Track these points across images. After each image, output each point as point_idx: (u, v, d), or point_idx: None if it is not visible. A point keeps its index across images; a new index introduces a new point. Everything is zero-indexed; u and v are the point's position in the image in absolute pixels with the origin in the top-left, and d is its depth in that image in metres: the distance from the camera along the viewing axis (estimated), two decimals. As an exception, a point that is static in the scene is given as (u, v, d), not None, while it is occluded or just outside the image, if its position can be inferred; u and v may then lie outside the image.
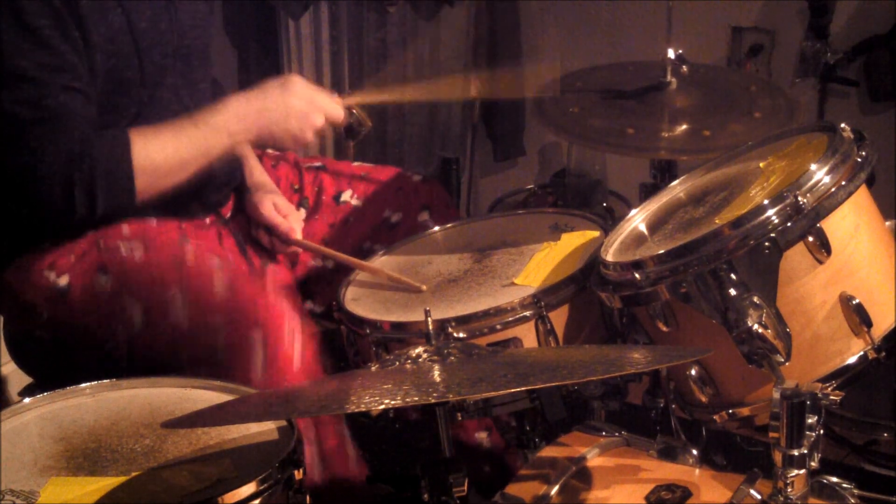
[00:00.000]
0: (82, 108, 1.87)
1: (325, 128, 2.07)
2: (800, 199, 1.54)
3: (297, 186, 2.32)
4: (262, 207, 2.16)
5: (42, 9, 1.82)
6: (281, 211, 2.16)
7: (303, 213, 2.26)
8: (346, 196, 2.30)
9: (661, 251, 1.62)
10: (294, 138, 2.04)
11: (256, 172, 2.25)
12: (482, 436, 2.21)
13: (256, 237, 2.20)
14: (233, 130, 1.98)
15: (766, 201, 1.56)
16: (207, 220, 2.13)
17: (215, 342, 1.85)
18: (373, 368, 1.43)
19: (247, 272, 1.99)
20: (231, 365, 1.82)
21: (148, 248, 1.96)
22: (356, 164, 2.38)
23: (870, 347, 1.61)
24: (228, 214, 2.20)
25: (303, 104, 2.02)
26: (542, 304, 1.78)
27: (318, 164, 2.37)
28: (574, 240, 1.97)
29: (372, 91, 2.21)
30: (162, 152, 1.93)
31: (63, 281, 1.96)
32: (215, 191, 2.13)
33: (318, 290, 2.26)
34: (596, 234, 1.97)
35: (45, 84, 1.84)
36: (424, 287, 1.93)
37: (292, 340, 1.87)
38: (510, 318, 1.77)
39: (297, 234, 2.16)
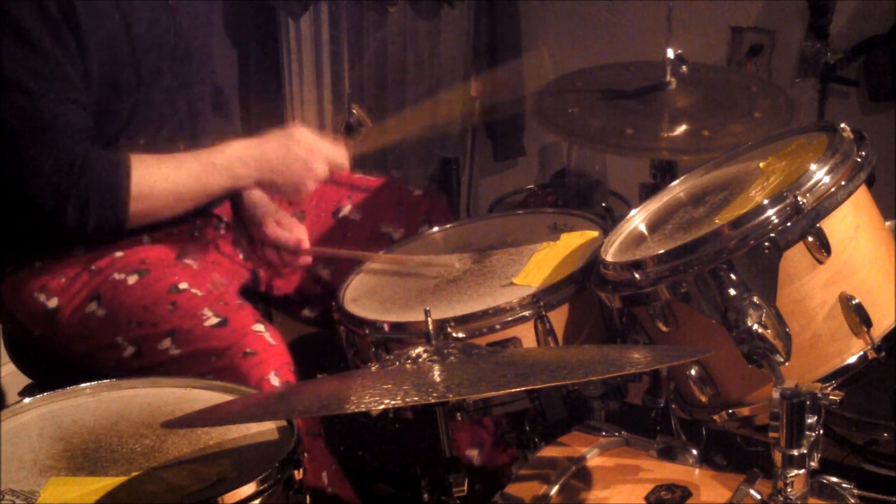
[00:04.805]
0: (78, 118, 1.87)
1: (328, 177, 2.07)
2: (800, 199, 1.54)
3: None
4: (265, 227, 2.13)
5: (39, 18, 1.80)
6: (285, 227, 2.14)
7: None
8: (346, 210, 2.28)
9: (661, 251, 1.62)
10: (295, 187, 2.04)
11: (255, 192, 2.17)
12: (473, 453, 2.20)
13: (263, 255, 2.17)
14: (235, 174, 1.99)
15: (765, 201, 1.56)
16: (199, 223, 2.12)
17: (206, 370, 1.85)
18: (373, 368, 1.43)
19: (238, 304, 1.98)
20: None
21: (140, 274, 1.95)
22: (357, 175, 2.34)
23: (870, 347, 1.61)
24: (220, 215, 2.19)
25: (305, 154, 2.02)
26: (542, 303, 1.78)
27: None
28: (574, 240, 1.97)
29: (375, 136, 2.23)
30: (162, 182, 1.93)
31: (53, 303, 1.96)
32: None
33: (313, 296, 2.25)
34: (596, 234, 1.97)
35: (39, 94, 1.83)
36: (457, 264, 1.94)
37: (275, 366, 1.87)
38: (509, 318, 1.77)
39: (306, 244, 2.14)
